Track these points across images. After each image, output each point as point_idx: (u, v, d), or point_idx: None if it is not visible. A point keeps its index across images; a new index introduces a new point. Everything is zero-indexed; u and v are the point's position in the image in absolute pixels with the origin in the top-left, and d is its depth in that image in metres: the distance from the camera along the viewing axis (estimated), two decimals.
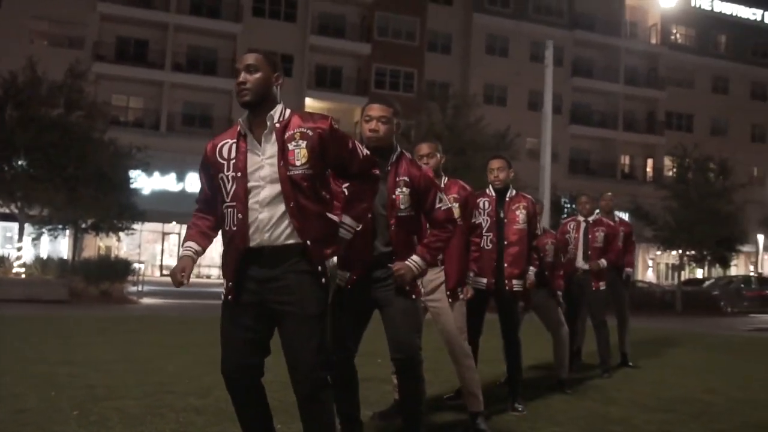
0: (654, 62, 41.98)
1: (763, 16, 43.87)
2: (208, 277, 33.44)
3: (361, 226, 3.03)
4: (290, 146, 2.77)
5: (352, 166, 2.93)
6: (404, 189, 3.27)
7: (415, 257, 3.25)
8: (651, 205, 24.56)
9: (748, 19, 43.42)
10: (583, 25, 40.52)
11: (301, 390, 2.71)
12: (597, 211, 6.90)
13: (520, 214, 4.87)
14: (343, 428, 3.37)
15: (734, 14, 42.98)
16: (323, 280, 2.75)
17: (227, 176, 2.77)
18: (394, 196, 3.29)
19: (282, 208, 2.71)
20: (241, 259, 2.72)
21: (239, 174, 2.73)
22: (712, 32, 42.63)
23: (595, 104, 41.47)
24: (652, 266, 40.79)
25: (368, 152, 3.02)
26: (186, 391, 4.99)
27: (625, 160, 42.11)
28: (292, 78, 35.03)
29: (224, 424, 4.00)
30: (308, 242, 2.71)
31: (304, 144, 2.78)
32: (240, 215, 2.71)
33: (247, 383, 2.81)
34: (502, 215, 4.84)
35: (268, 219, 2.70)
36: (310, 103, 35.30)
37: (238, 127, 2.84)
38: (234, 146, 2.81)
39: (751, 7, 43.47)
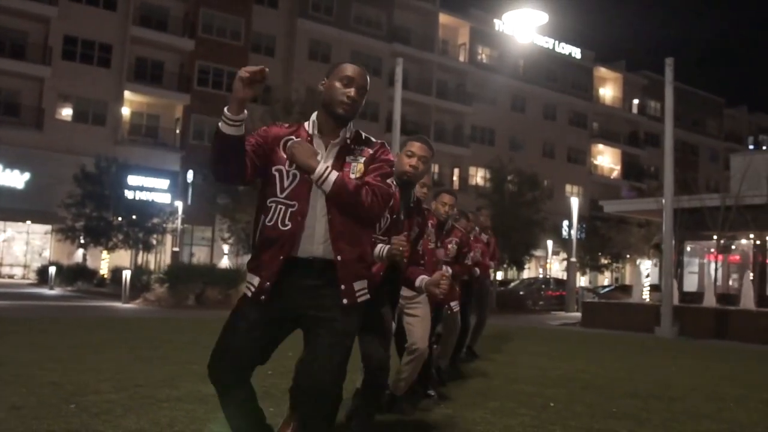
0: (462, 79, 45.34)
1: (554, 44, 49.01)
2: (11, 277, 30.92)
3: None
4: (347, 159, 2.68)
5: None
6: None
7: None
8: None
9: (541, 46, 48.31)
10: (400, 39, 42.78)
11: (312, 402, 2.56)
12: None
13: (451, 247, 5.75)
14: None
15: (531, 41, 47.59)
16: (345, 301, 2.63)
17: (288, 171, 2.63)
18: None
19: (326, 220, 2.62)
20: (284, 265, 2.59)
21: (305, 176, 2.60)
22: (513, 55, 46.89)
23: (408, 114, 43.81)
24: None
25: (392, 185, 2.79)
26: (152, 384, 5.19)
27: (435, 168, 44.96)
28: (111, 69, 33.50)
29: None
30: (339, 258, 2.62)
31: (362, 160, 2.70)
32: (299, 217, 2.59)
33: (240, 385, 2.64)
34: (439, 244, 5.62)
35: (324, 230, 2.61)
36: (129, 96, 33.99)
37: (305, 127, 2.75)
38: None
39: (544, 35, 48.42)
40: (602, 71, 52.76)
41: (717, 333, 14.43)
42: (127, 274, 18.32)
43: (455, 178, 45.07)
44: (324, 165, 2.59)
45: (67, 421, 3.88)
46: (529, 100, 48.01)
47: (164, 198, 31.53)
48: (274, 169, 2.64)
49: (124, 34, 33.61)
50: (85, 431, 3.69)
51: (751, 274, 19.26)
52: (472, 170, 45.06)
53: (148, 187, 31.09)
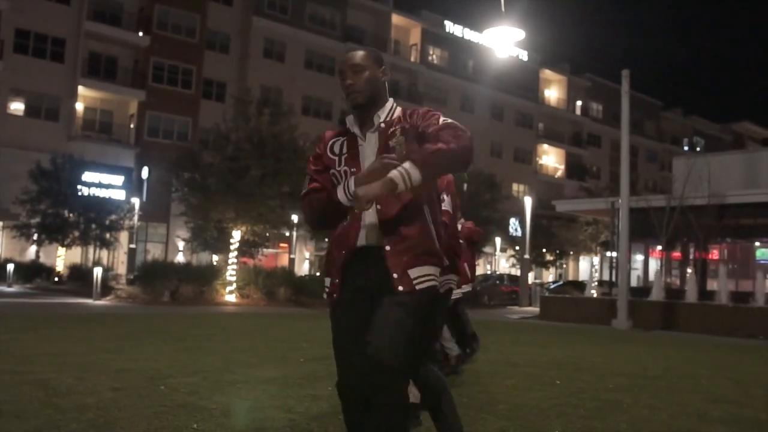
0: (414, 79, 46.31)
1: None
2: None
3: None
4: (391, 143, 2.61)
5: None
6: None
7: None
8: None
9: (490, 48, 49.59)
10: (353, 38, 43.33)
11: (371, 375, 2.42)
12: None
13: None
14: None
15: (479, 42, 48.87)
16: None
17: (339, 171, 2.67)
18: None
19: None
20: (349, 257, 2.61)
21: (353, 170, 2.61)
22: (462, 57, 48.11)
23: None
24: None
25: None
26: (214, 370, 5.76)
27: None
28: (64, 64, 33.13)
29: (295, 388, 5.06)
30: (387, 248, 2.55)
31: (403, 140, 2.60)
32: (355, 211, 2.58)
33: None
34: None
35: (375, 220, 2.60)
36: (83, 92, 33.66)
37: (347, 125, 2.75)
38: (345, 142, 2.72)
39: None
40: (548, 73, 54.50)
41: (665, 324, 15.66)
42: (98, 272, 18.51)
43: None
44: (397, 171, 2.37)
45: (171, 399, 4.47)
46: (477, 101, 49.30)
47: (119, 195, 31.44)
48: (330, 173, 2.70)
49: (78, 29, 33.29)
50: (193, 406, 4.28)
51: (690, 270, 20.69)
52: None
53: (104, 184, 30.97)
